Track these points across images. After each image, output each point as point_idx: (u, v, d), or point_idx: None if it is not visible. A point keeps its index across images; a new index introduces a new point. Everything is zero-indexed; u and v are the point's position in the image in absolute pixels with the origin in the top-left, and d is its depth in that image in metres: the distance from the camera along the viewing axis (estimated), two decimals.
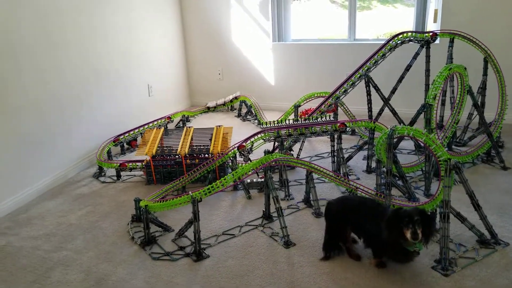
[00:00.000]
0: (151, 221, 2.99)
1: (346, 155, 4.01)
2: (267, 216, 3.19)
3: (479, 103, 4.00)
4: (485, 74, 4.03)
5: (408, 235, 2.21)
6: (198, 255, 2.75)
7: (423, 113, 3.33)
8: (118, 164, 3.97)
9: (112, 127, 4.67)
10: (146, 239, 2.93)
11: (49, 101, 3.84)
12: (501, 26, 4.72)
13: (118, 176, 4.04)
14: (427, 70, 3.92)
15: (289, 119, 3.51)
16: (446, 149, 3.85)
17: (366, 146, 3.99)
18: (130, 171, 4.00)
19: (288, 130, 3.39)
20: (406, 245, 2.31)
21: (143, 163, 3.85)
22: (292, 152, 3.99)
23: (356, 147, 4.29)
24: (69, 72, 4.06)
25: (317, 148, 4.56)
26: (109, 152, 4.33)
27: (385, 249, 2.41)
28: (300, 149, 4.10)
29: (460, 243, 2.74)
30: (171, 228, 3.10)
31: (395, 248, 2.36)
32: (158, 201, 2.93)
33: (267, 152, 3.24)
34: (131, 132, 4.65)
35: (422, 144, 3.48)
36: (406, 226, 2.24)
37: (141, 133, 4.71)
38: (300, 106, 4.64)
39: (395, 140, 3.21)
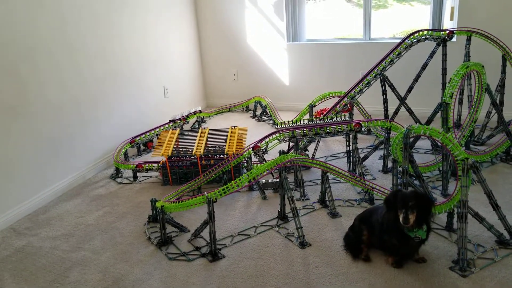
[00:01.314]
0: (167, 221, 2.98)
1: (362, 155, 3.99)
2: (282, 217, 3.16)
3: (497, 101, 3.93)
4: (503, 72, 3.95)
5: (400, 218, 2.22)
6: (214, 255, 2.74)
7: (440, 112, 3.28)
8: (135, 165, 3.97)
9: (129, 129, 4.69)
10: (162, 240, 2.93)
11: (67, 103, 3.86)
12: None
13: (135, 177, 4.05)
14: (444, 69, 3.87)
15: (304, 119, 3.48)
16: (464, 148, 3.79)
17: (382, 146, 3.96)
18: (147, 172, 3.99)
19: (303, 130, 3.36)
20: (406, 229, 2.29)
21: (159, 164, 3.86)
22: (307, 152, 3.96)
23: (372, 147, 4.24)
24: (86, 74, 4.06)
25: (332, 148, 4.51)
26: (125, 153, 4.34)
27: (385, 233, 2.37)
28: (316, 149, 4.07)
29: (478, 244, 2.70)
30: (187, 229, 3.10)
31: (394, 231, 2.33)
32: (174, 202, 2.93)
33: (282, 153, 3.24)
34: (147, 134, 4.65)
35: (439, 144, 3.47)
36: (400, 209, 2.24)
37: (157, 134, 4.71)
38: (315, 106, 4.62)
39: (411, 139, 3.27)
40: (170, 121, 4.86)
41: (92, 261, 2.76)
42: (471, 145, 4.19)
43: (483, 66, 3.55)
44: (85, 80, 4.06)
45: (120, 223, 3.24)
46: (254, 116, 5.74)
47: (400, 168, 2.87)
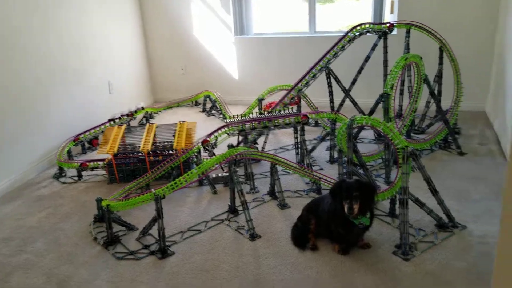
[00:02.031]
0: (114, 220, 2.93)
1: (309, 147, 4.03)
2: (232, 210, 3.19)
3: (435, 91, 4.05)
4: (440, 63, 4.09)
5: (345, 208, 2.30)
6: (163, 252, 2.71)
7: (381, 102, 3.37)
8: (79, 163, 3.87)
9: (73, 126, 4.55)
10: (109, 239, 2.87)
11: (4, 102, 3.74)
12: (455, 15, 4.81)
13: (80, 176, 3.95)
14: (385, 61, 3.96)
15: (253, 113, 3.47)
16: (405, 137, 3.86)
17: (329, 137, 3.99)
18: (92, 170, 3.89)
19: (252, 124, 3.35)
20: (350, 217, 2.36)
21: (105, 162, 3.76)
22: (256, 145, 3.95)
23: (319, 138, 4.25)
24: (22, 71, 3.94)
25: (281, 140, 4.54)
26: (69, 152, 4.21)
27: (331, 222, 2.45)
28: (265, 142, 4.08)
29: (419, 228, 2.79)
30: (135, 227, 3.05)
31: (339, 220, 2.41)
32: (120, 200, 2.87)
33: (231, 146, 3.18)
34: (92, 131, 4.54)
35: (381, 133, 3.51)
36: (344, 200, 2.31)
37: (102, 131, 4.59)
38: (263, 99, 4.64)
39: (355, 130, 3.30)
40: (109, 120, 4.76)
41: (35, 264, 2.69)
42: (411, 134, 4.32)
43: (421, 58, 3.65)
44: (22, 78, 3.93)
45: (65, 224, 3.16)
46: (203, 110, 5.73)
47: (345, 158, 2.96)
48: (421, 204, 2.74)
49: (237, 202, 3.15)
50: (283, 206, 3.23)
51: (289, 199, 3.31)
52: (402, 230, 2.54)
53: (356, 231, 2.48)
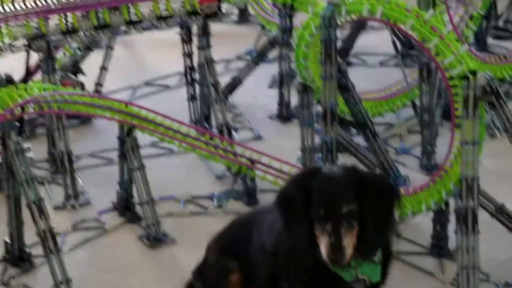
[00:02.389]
0: None
1: (223, 79, 3.78)
2: (16, 257, 2.67)
3: None
4: None
5: (322, 246, 1.81)
6: None
7: None
8: None
9: None
10: None
11: None
12: None
13: None
14: None
15: None
16: (473, 46, 3.67)
17: (275, 54, 3.78)
18: None
19: (65, 18, 3.02)
20: (334, 266, 1.88)
21: None
22: (81, 78, 3.68)
23: (250, 55, 4.01)
24: None
25: (150, 65, 4.32)
26: None
27: (285, 277, 2.01)
28: (104, 70, 3.79)
29: (506, 283, 2.40)
30: None
31: (306, 271, 1.93)
32: None
33: (8, 81, 2.63)
34: None
35: (409, 40, 3.70)
36: (319, 222, 1.82)
37: None
38: None
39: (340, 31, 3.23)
40: None
41: None
42: (488, 39, 4.04)
43: None
44: None
45: None
46: None
47: (320, 108, 2.66)
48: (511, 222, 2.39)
49: (30, 234, 2.62)
50: (155, 239, 2.68)
51: (170, 222, 2.78)
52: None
53: None
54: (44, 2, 2.94)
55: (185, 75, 3.39)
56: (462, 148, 2.16)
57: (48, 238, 2.38)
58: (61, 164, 3.05)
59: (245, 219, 2.34)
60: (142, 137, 3.04)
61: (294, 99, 3.38)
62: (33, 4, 2.94)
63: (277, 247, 2.01)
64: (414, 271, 2.49)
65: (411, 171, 3.04)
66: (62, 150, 3.01)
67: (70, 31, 2.87)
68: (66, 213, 2.92)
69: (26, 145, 2.81)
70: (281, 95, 3.57)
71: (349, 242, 1.75)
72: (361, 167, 2.65)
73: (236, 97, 3.74)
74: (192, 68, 3.33)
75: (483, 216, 2.30)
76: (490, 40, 4.09)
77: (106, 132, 3.48)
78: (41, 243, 2.39)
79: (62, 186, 3.03)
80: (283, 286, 2.00)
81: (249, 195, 2.90)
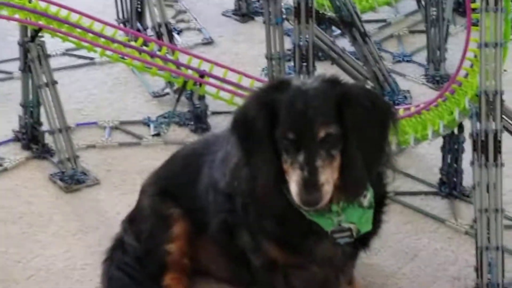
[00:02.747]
0: None
1: None
2: None
3: None
4: None
5: (293, 183, 1.79)
6: None
7: None
8: None
9: None
10: None
11: None
12: None
13: None
14: None
15: None
16: None
17: None
18: None
19: None
20: (310, 210, 1.85)
21: None
22: None
23: None
24: None
25: None
26: None
27: (245, 227, 2.02)
28: None
29: None
30: None
31: (274, 216, 1.93)
32: None
33: None
34: None
35: None
36: (288, 155, 1.82)
37: None
38: None
39: None
40: None
41: None
42: None
43: None
44: None
45: None
46: None
47: (291, 1, 2.71)
48: None
49: None
50: (71, 179, 2.60)
51: (92, 156, 2.72)
52: (482, 244, 2.11)
53: (328, 255, 1.95)
54: None
55: None
56: (480, 52, 2.08)
57: None
58: None
59: (192, 150, 2.28)
60: (53, 43, 2.97)
61: None
62: None
63: (233, 186, 1.96)
64: (418, 217, 2.44)
65: (413, 84, 3.03)
66: None
67: None
68: None
69: None
70: None
71: (328, 178, 1.74)
72: (346, 78, 2.53)
73: None
74: None
75: (508, 142, 2.24)
76: None
77: (4, 38, 3.51)
78: None
79: None
80: (243, 239, 1.99)
81: (197, 118, 2.86)
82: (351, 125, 1.77)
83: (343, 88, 1.82)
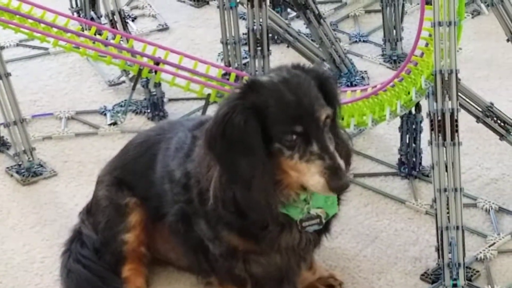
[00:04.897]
0: None
1: None
2: None
3: None
4: None
5: (316, 175, 1.72)
6: None
7: None
8: None
9: None
10: None
11: None
12: None
13: None
14: None
15: None
16: None
17: None
18: None
19: None
20: (282, 202, 1.81)
21: None
22: None
23: None
24: None
25: None
26: None
27: (202, 215, 1.96)
28: None
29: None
30: None
31: (242, 205, 1.85)
32: None
33: None
34: None
35: None
36: (297, 151, 1.75)
37: None
38: None
39: None
40: None
41: None
42: None
43: None
44: None
45: None
46: None
47: None
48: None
49: None
50: (28, 172, 2.59)
51: (49, 147, 2.69)
52: (442, 223, 2.12)
53: (292, 244, 1.92)
54: None
55: None
56: (434, 31, 2.05)
57: None
58: None
59: (146, 138, 2.21)
60: (6, 34, 3.02)
61: None
62: None
63: (198, 180, 1.88)
64: (378, 197, 2.43)
65: (370, 65, 3.00)
66: None
67: None
68: None
69: None
70: None
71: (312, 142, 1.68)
72: (304, 62, 2.39)
73: None
74: None
75: (465, 121, 2.27)
76: None
77: None
78: None
79: None
80: (200, 227, 1.94)
81: (154, 106, 2.81)
82: (337, 104, 1.78)
83: (315, 73, 1.78)
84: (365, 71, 2.96)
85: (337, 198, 1.90)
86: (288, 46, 2.90)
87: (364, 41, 3.20)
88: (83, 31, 2.85)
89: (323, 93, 1.74)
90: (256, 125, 1.69)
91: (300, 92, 1.74)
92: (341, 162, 1.71)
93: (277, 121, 1.69)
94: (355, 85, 2.85)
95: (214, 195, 1.86)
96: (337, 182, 1.69)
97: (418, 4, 3.25)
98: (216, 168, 1.81)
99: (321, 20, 2.82)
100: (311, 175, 1.69)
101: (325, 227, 1.91)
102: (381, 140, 2.75)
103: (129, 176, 2.14)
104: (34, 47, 3.26)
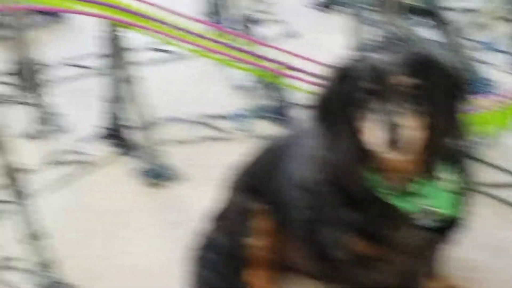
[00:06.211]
0: None
1: None
2: None
3: None
4: None
5: (377, 136, 1.68)
6: None
7: None
8: None
9: None
10: None
11: None
12: None
13: None
14: None
15: None
16: None
17: None
18: None
19: None
20: (380, 183, 1.77)
21: None
22: None
23: None
24: None
25: None
26: None
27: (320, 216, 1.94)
28: None
29: None
30: None
31: (348, 204, 1.82)
32: None
33: None
34: None
35: None
36: (371, 114, 1.73)
37: None
38: None
39: None
40: None
41: None
42: None
43: None
44: None
45: None
46: None
47: None
48: None
49: None
50: (155, 175, 2.65)
51: (176, 151, 2.73)
52: None
53: (408, 241, 1.87)
54: None
55: None
56: None
57: (15, 178, 2.17)
58: (30, 78, 3.04)
59: (277, 144, 2.19)
60: (136, 38, 2.81)
61: None
62: None
63: (309, 176, 1.86)
64: (506, 209, 2.34)
65: (498, 73, 2.90)
66: (29, 58, 2.96)
67: None
68: (38, 143, 2.91)
69: None
70: None
71: (417, 136, 1.61)
72: None
73: None
74: None
75: None
76: None
77: (84, 31, 3.54)
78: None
79: (32, 107, 3.03)
80: (323, 234, 1.89)
81: (280, 111, 2.84)
82: (434, 86, 1.67)
83: (422, 53, 1.71)
84: (492, 80, 2.86)
85: (461, 203, 1.80)
86: None
87: (492, 49, 3.12)
88: (215, 37, 2.68)
89: (425, 72, 1.67)
90: (342, 91, 1.67)
91: (390, 60, 1.66)
92: (397, 129, 1.62)
93: (361, 81, 1.64)
94: (482, 94, 2.61)
95: (316, 165, 1.83)
96: (389, 143, 1.58)
97: None
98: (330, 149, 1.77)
99: (449, 27, 2.77)
100: (371, 135, 1.63)
101: (447, 232, 1.84)
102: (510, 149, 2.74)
103: (258, 182, 2.14)
104: (162, 51, 3.32)
